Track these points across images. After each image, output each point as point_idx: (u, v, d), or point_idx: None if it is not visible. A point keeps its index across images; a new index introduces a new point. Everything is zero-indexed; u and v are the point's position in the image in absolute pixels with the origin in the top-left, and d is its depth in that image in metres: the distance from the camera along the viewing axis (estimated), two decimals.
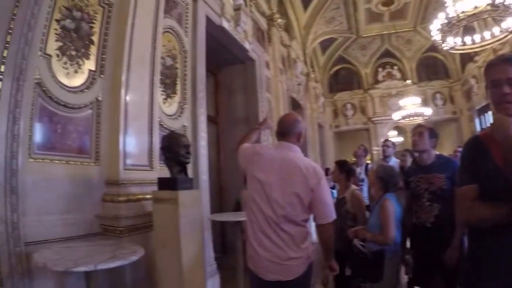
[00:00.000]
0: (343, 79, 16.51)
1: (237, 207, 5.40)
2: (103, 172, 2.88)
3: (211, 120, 6.56)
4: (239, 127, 6.78)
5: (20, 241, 2.13)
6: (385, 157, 5.48)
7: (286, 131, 2.13)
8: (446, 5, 6.86)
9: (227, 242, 5.89)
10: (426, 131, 2.80)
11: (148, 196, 2.86)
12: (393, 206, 2.76)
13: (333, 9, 11.83)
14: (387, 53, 15.69)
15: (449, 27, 6.94)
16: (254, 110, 6.79)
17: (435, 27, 7.32)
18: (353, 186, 3.40)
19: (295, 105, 10.17)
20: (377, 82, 16.01)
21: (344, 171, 3.41)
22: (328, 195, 2.02)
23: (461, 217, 1.77)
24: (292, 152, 2.08)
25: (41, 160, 2.42)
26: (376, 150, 14.38)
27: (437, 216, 2.67)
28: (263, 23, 7.84)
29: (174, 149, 2.67)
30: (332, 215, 2.00)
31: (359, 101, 16.27)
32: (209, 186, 4.58)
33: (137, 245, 2.23)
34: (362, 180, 5.41)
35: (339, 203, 3.34)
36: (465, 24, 6.83)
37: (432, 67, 15.27)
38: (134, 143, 3.08)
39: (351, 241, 2.91)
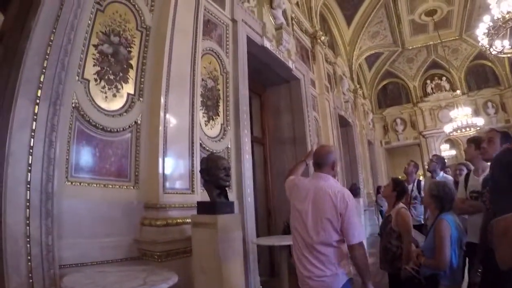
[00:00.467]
0: (391, 93, 16.30)
1: (287, 230, 5.16)
2: (142, 195, 2.84)
3: (257, 141, 6.59)
4: (287, 147, 6.67)
5: (54, 264, 2.10)
6: (430, 172, 5.12)
7: (320, 162, 2.37)
8: (490, 7, 6.57)
9: (275, 265, 5.65)
10: (498, 136, 2.45)
11: (188, 220, 2.76)
12: (448, 228, 2.45)
13: (377, 23, 11.75)
14: (435, 64, 15.34)
15: (496, 30, 6.64)
16: (301, 130, 6.64)
17: (481, 32, 7.00)
18: (401, 204, 3.11)
19: (343, 122, 9.93)
20: (426, 94, 15.65)
21: (396, 190, 3.16)
22: (355, 218, 2.14)
23: (506, 259, 1.28)
24: (323, 181, 2.28)
25: (78, 184, 2.42)
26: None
27: None
28: (306, 41, 7.78)
29: (213, 172, 2.56)
30: (360, 236, 2.12)
31: (409, 116, 15.90)
32: (255, 208, 4.45)
33: (171, 272, 2.09)
34: (415, 198, 5.06)
35: (385, 221, 3.14)
36: None
37: (481, 75, 14.70)
38: (174, 166, 3.02)
39: (393, 261, 2.85)
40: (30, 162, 2.07)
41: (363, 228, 2.80)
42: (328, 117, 7.95)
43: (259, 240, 4.19)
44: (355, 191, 7.22)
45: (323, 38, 8.32)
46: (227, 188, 2.70)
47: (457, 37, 13.42)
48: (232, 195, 4.02)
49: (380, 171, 14.25)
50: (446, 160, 5.62)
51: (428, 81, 15.67)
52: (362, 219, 7.19)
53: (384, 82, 16.13)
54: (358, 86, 12.32)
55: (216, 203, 2.46)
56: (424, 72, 15.68)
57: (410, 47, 13.97)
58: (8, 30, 2.62)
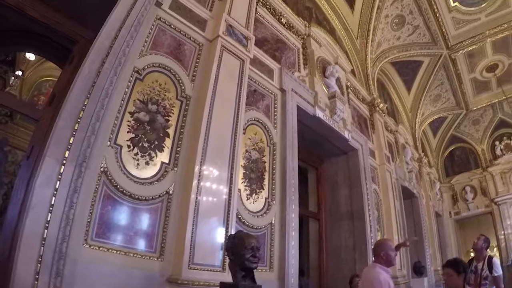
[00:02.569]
0: (458, 160, 15.74)
1: None
2: (167, 268, 2.76)
3: (313, 216, 6.54)
4: (344, 223, 6.44)
5: None
6: (475, 250, 4.79)
7: (374, 253, 3.13)
8: None
9: None
10: None
11: None
12: None
13: (437, 85, 11.61)
14: (502, 123, 14.61)
15: None
16: (360, 203, 6.37)
17: None
18: None
19: (408, 194, 9.45)
20: (495, 157, 14.77)
21: (462, 271, 2.96)
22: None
23: None
24: (371, 269, 3.04)
25: (97, 248, 2.42)
26: (503, 235, 13.57)
27: None
28: (364, 109, 7.74)
29: (238, 251, 2.40)
30: None
31: (478, 182, 15.01)
32: None
33: None
34: (486, 278, 4.49)
35: None
36: None
37: None
38: (204, 240, 2.93)
39: None
40: (48, 219, 2.16)
41: None
42: (389, 189, 7.58)
43: None
44: (418, 269, 6.50)
45: (381, 105, 8.25)
46: (255, 270, 2.51)
47: None
48: (273, 275, 3.83)
49: (449, 245, 13.34)
50: None
51: (497, 143, 14.92)
52: None
53: (451, 148, 15.64)
54: (422, 154, 11.93)
55: (238, 286, 2.27)
56: (491, 133, 15.01)
57: (475, 108, 13.56)
58: (58, 93, 2.91)
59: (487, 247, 4.91)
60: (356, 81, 7.70)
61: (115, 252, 2.51)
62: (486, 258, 4.68)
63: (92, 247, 2.40)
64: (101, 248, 2.44)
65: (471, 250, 6.93)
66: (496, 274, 4.42)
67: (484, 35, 9.89)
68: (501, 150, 14.78)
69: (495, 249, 13.99)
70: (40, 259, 2.07)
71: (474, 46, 10.29)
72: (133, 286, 2.54)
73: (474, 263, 4.75)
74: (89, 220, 2.41)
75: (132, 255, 2.60)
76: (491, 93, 12.88)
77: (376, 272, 2.93)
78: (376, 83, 8.78)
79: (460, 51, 10.43)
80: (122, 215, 2.62)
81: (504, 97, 12.39)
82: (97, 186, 2.50)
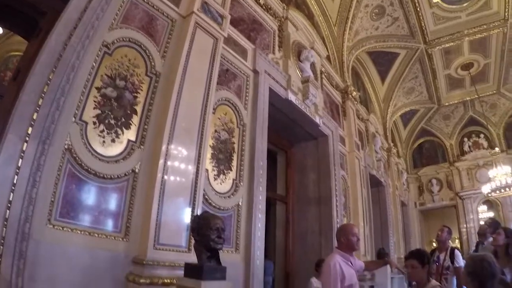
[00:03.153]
0: (427, 152, 16.44)
1: None
2: (132, 249, 2.76)
3: (280, 199, 6.62)
4: (311, 207, 6.58)
5: None
6: (479, 235, 5.12)
7: (336, 239, 3.25)
8: None
9: None
10: None
11: None
12: None
13: (412, 78, 11.94)
14: (472, 121, 15.42)
15: None
16: (327, 189, 6.54)
17: None
18: (434, 282, 2.79)
19: (375, 182, 9.77)
20: (463, 153, 15.69)
21: (426, 263, 2.85)
22: (325, 277, 2.94)
23: None
24: (330, 255, 3.19)
25: (61, 228, 2.39)
26: (465, 228, 14.53)
27: None
28: (336, 96, 7.87)
29: (203, 232, 2.42)
30: None
31: (445, 176, 15.92)
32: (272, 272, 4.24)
33: None
34: (448, 268, 4.80)
35: None
36: None
37: None
38: (170, 221, 2.94)
39: None
40: (10, 199, 2.10)
41: (335, 286, 2.82)
42: (357, 176, 7.83)
43: None
44: (382, 256, 6.83)
45: (354, 93, 8.42)
46: (221, 251, 2.56)
47: (494, 92, 13.45)
48: (239, 257, 3.91)
49: (413, 234, 14.03)
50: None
51: (466, 139, 15.73)
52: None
53: (420, 141, 16.30)
54: (392, 144, 12.36)
55: (203, 267, 2.30)
56: (461, 130, 15.78)
57: (447, 103, 14.10)
58: (23, 67, 2.80)
59: (449, 238, 5.21)
60: (331, 67, 7.79)
61: (79, 232, 2.48)
62: (449, 249, 4.94)
63: (55, 227, 2.36)
64: (65, 229, 2.41)
65: (434, 240, 7.23)
66: (457, 265, 4.65)
67: (463, 34, 10.19)
68: (469, 146, 15.52)
69: (457, 241, 14.84)
70: (2, 241, 2.02)
71: (452, 44, 10.61)
72: (98, 267, 2.54)
73: (436, 253, 5.02)
74: (52, 199, 2.36)
75: (96, 235, 2.58)
76: (464, 91, 13.36)
77: (329, 258, 3.08)
78: (350, 71, 8.92)
79: (437, 47, 10.72)
80: (86, 194, 2.59)
81: (476, 96, 12.84)
82: (61, 164, 2.44)
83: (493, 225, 5.01)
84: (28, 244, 2.13)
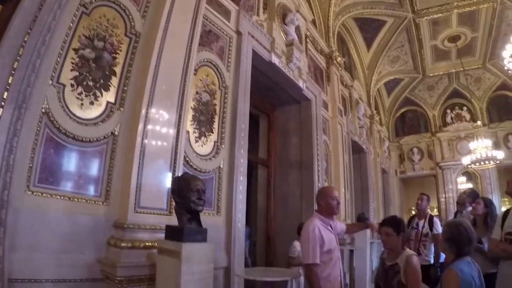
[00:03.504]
0: (409, 122, 16.62)
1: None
2: (112, 212, 2.80)
3: (262, 163, 6.67)
4: (293, 171, 6.69)
5: (3, 276, 2.08)
6: (458, 204, 5.35)
7: (316, 202, 3.30)
8: None
9: None
10: None
11: None
12: (456, 281, 2.22)
13: (397, 47, 11.88)
14: (456, 93, 15.56)
15: None
16: (309, 154, 6.64)
17: (508, 54, 7.06)
18: (409, 251, 2.86)
19: (357, 149, 9.93)
20: (445, 124, 15.87)
21: (402, 231, 2.88)
22: (304, 242, 3.02)
23: None
24: (309, 219, 3.21)
25: (40, 194, 2.40)
26: (444, 198, 14.90)
27: None
28: (321, 61, 7.83)
29: (184, 194, 2.46)
30: (306, 259, 2.91)
31: (426, 145, 16.18)
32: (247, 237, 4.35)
33: None
34: (426, 235, 5.01)
35: (390, 271, 2.83)
36: None
37: (504, 107, 14.72)
38: (150, 184, 2.97)
39: None
40: None
41: (313, 251, 2.85)
42: (339, 142, 7.94)
43: (241, 272, 4.06)
44: (362, 221, 7.12)
45: (339, 59, 8.39)
46: (201, 213, 2.62)
47: (480, 66, 13.48)
48: (220, 219, 4.00)
49: (393, 201, 14.43)
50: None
51: (449, 111, 15.89)
52: (368, 252, 7.03)
53: (403, 110, 16.44)
54: (375, 111, 12.50)
55: (183, 229, 2.35)
56: (444, 101, 15.91)
57: (431, 74, 14.13)
58: None
59: (428, 205, 5.42)
60: (316, 31, 7.70)
61: (59, 197, 2.50)
62: (428, 216, 5.14)
63: (35, 193, 2.37)
64: (44, 195, 2.42)
65: (413, 208, 7.41)
66: (436, 232, 4.86)
67: (452, 6, 10.08)
68: (451, 118, 15.70)
69: (435, 210, 15.35)
70: None
71: (440, 15, 10.50)
72: (79, 232, 2.58)
73: (415, 220, 5.21)
74: (30, 165, 2.36)
75: (77, 200, 2.60)
76: (450, 63, 13.37)
77: (308, 222, 3.10)
78: (336, 36, 8.84)
79: (425, 17, 10.62)
80: (65, 159, 2.59)
81: (461, 69, 12.88)
82: (38, 129, 2.42)
83: (472, 194, 5.19)
84: (7, 212, 2.12)
